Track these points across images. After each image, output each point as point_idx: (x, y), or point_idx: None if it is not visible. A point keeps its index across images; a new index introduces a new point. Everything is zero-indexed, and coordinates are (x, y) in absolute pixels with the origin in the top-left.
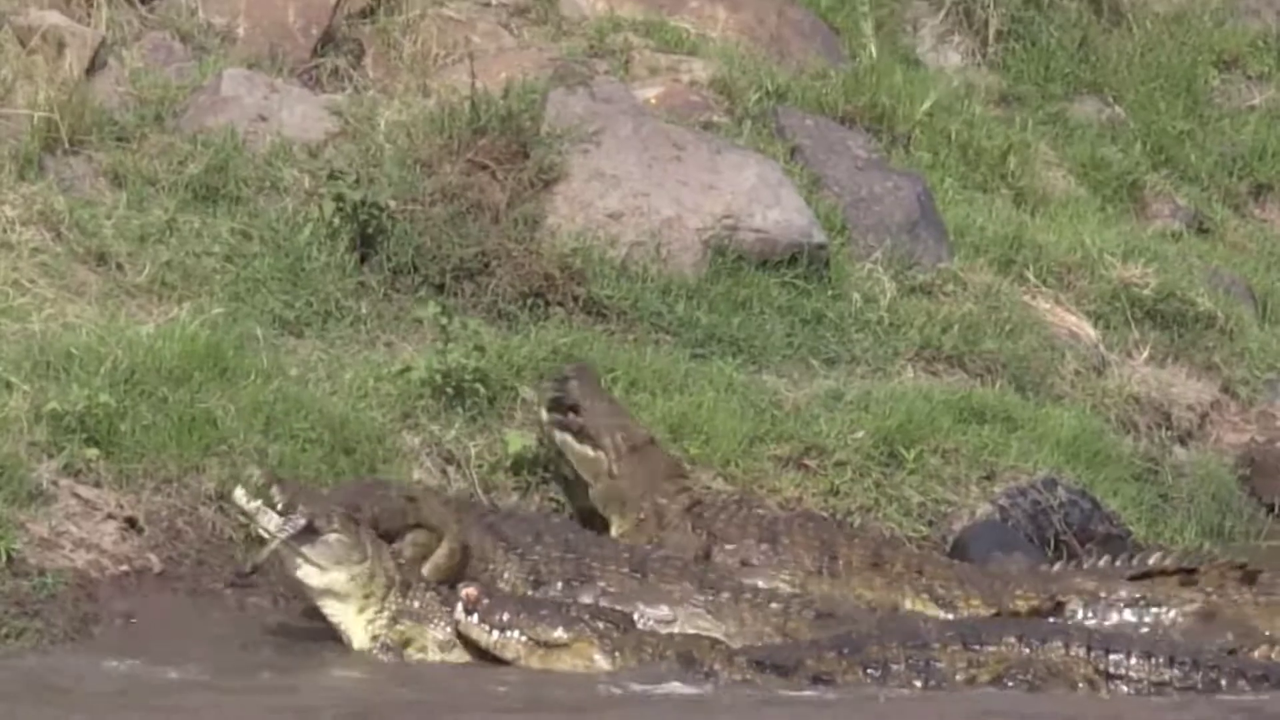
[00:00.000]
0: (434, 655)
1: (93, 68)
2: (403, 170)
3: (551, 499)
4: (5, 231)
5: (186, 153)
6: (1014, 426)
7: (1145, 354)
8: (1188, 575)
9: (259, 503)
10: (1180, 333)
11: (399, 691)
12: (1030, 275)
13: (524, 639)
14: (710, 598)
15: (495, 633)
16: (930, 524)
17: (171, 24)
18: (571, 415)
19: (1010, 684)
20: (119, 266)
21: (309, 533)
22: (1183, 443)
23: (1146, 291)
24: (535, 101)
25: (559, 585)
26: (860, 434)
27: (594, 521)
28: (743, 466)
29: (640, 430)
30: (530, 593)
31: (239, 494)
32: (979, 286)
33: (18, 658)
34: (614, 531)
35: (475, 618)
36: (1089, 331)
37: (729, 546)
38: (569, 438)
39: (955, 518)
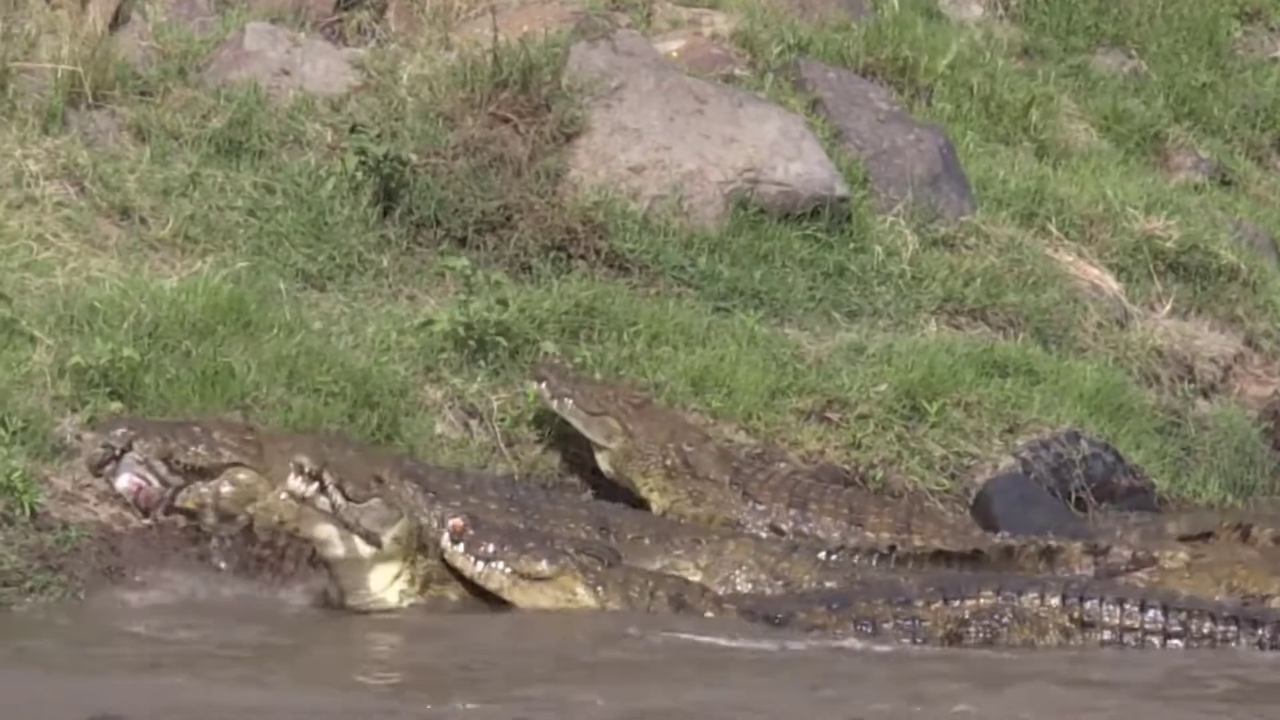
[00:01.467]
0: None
1: (116, 22)
2: (425, 124)
3: (574, 454)
4: (29, 186)
5: (209, 107)
6: (1036, 379)
7: (1168, 307)
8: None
9: (314, 487)
10: (1203, 285)
11: (428, 645)
12: (1053, 228)
13: (508, 570)
14: (688, 546)
15: (480, 564)
16: (952, 477)
17: None
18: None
19: (986, 634)
20: (142, 220)
21: (354, 503)
22: (1206, 395)
23: (1169, 244)
24: (557, 55)
25: None
26: (882, 387)
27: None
28: (765, 419)
29: (637, 391)
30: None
31: (296, 483)
32: (1001, 239)
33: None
34: (651, 497)
35: (461, 547)
36: (1111, 284)
37: (759, 508)
38: (578, 409)
39: (978, 470)
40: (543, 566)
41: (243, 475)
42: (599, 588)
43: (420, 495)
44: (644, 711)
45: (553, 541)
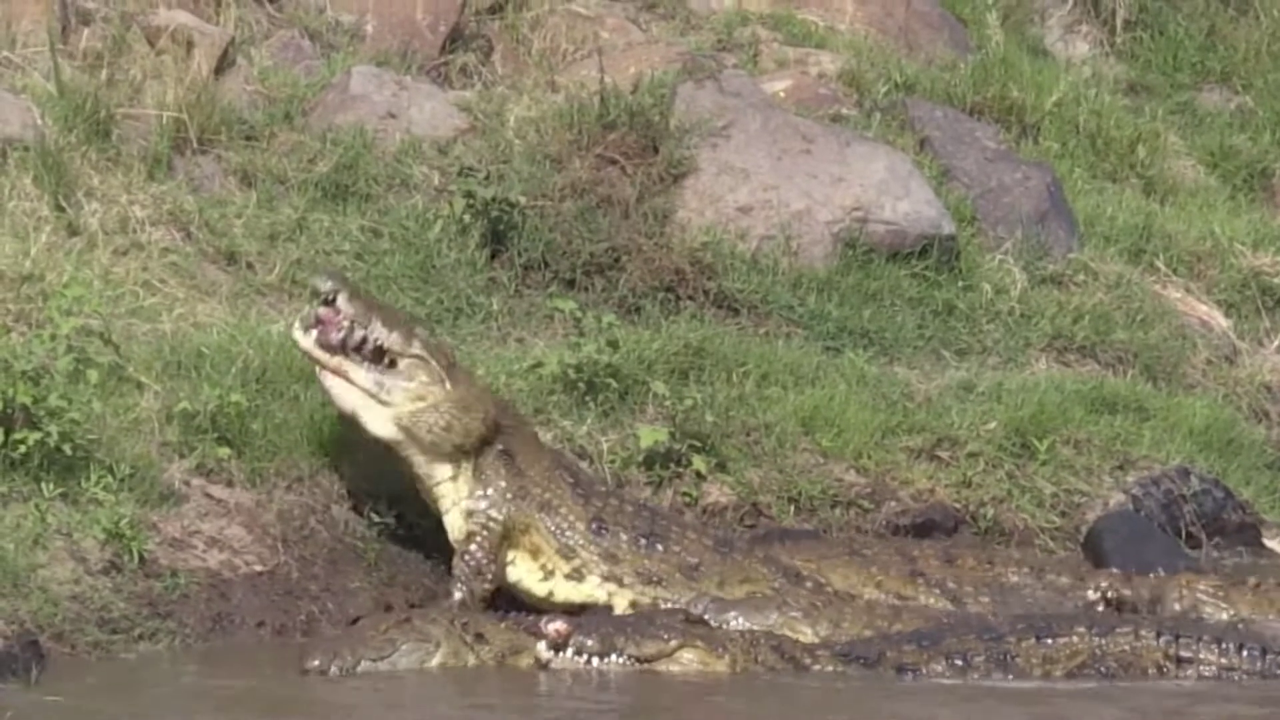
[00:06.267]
0: None
1: (221, 67)
2: (532, 166)
3: (684, 494)
4: (135, 232)
5: (316, 151)
6: (1146, 416)
7: (1277, 342)
8: None
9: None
10: None
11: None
12: (1160, 264)
13: (625, 661)
14: (793, 584)
15: (594, 660)
16: (1063, 514)
17: (300, 22)
18: None
19: (1087, 674)
20: (249, 265)
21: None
22: None
23: (1277, 280)
24: (664, 96)
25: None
26: (992, 425)
27: None
28: (875, 458)
29: None
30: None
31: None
32: (1109, 276)
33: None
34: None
35: (570, 651)
36: (1220, 320)
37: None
38: None
39: (1088, 508)
40: (655, 649)
41: (423, 374)
42: (718, 649)
43: (569, 489)
44: None
45: (651, 621)
